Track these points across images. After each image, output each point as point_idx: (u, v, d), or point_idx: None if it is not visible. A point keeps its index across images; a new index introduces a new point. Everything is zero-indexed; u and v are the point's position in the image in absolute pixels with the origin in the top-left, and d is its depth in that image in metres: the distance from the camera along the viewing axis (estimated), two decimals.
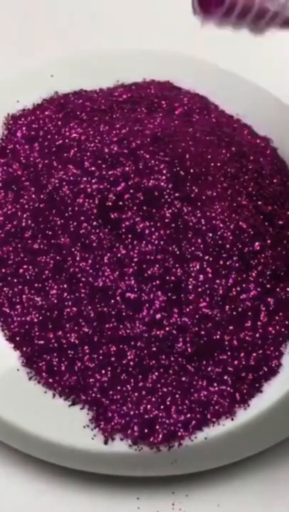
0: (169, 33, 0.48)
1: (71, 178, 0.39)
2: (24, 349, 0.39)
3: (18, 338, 0.39)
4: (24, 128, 0.42)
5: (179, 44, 0.44)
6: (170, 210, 0.39)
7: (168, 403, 0.38)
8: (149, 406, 0.38)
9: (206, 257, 0.39)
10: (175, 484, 0.40)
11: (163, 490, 0.40)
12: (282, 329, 0.40)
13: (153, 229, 0.38)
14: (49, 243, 0.39)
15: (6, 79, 0.44)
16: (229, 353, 0.39)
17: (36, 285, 0.39)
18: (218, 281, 0.39)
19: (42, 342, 0.39)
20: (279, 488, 0.41)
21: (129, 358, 0.38)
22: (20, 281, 0.39)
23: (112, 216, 0.39)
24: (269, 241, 0.40)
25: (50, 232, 0.39)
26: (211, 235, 0.39)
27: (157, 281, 0.38)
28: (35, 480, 0.40)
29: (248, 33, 0.32)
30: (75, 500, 0.40)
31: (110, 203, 0.39)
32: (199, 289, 0.38)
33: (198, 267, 0.38)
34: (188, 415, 0.38)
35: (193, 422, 0.38)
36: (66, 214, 0.39)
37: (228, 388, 0.39)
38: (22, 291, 0.39)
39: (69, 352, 0.38)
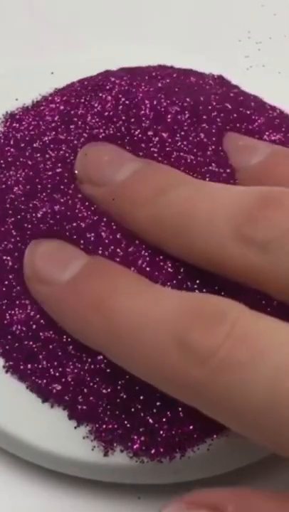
0: (170, 33, 0.48)
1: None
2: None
3: (7, 347, 0.38)
4: (23, 127, 0.41)
5: (180, 43, 0.44)
6: None
7: (169, 415, 0.37)
8: (149, 418, 0.37)
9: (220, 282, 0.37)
10: (177, 483, 0.40)
11: (165, 489, 0.40)
12: None
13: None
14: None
15: (5, 77, 0.43)
16: None
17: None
18: None
19: (36, 350, 0.38)
20: (280, 489, 0.41)
21: None
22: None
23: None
24: None
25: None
26: None
27: None
28: (34, 479, 0.40)
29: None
30: (76, 499, 0.40)
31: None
32: None
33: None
34: (191, 427, 0.37)
35: (196, 433, 0.37)
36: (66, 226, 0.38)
37: None
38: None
39: (66, 362, 0.37)
